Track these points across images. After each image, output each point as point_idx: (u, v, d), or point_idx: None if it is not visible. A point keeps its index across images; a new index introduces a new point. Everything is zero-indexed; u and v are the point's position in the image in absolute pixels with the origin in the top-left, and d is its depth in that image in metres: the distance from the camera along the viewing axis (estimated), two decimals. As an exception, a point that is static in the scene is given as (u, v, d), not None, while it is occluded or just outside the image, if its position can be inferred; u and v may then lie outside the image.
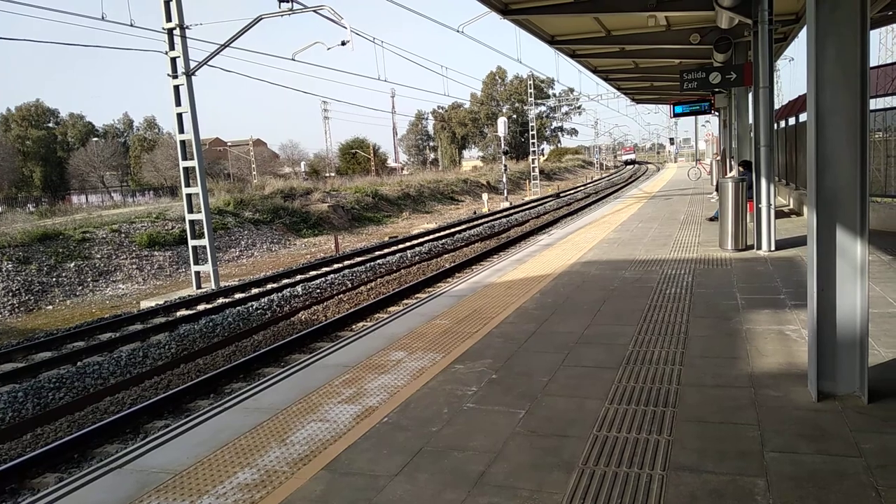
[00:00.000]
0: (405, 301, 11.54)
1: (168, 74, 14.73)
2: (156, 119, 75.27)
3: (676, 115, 17.74)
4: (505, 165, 37.58)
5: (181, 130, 15.18)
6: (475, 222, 24.86)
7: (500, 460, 3.25)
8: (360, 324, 10.24)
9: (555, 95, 67.62)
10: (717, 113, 22.85)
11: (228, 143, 68.48)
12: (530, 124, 44.24)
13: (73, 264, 16.88)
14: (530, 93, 44.37)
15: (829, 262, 3.62)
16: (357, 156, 69.44)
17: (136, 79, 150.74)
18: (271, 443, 3.64)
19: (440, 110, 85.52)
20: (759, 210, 8.81)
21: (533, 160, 44.52)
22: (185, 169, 15.36)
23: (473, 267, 14.37)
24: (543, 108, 76.30)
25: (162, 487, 3.21)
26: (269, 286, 13.91)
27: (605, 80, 22.22)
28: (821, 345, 3.67)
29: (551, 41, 13.37)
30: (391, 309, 11.01)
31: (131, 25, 13.61)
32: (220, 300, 13.04)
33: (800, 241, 9.21)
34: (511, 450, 3.36)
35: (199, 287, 14.96)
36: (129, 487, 3.25)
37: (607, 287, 7.17)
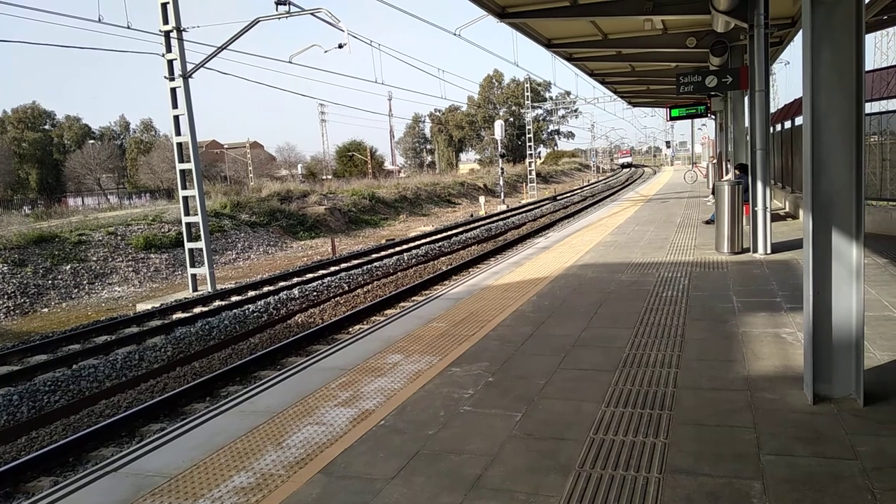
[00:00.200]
0: (402, 304, 11.53)
1: (165, 77, 14.72)
2: (152, 121, 75.24)
3: (673, 119, 17.82)
4: (502, 168, 37.66)
5: (178, 133, 15.16)
6: (472, 225, 24.86)
7: (496, 463, 3.25)
8: (357, 326, 10.23)
9: (551, 98, 67.87)
10: (713, 116, 22.92)
11: (225, 146, 68.50)
12: (527, 127, 44.27)
13: (68, 267, 16.84)
14: (527, 96, 44.48)
15: (824, 265, 3.63)
16: (354, 158, 69.49)
17: (132, 81, 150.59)
18: (267, 446, 3.63)
19: (437, 113, 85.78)
20: (755, 213, 8.84)
21: (530, 163, 44.53)
22: (182, 171, 15.36)
23: (470, 270, 14.37)
24: (540, 112, 76.36)
25: (157, 491, 3.20)
26: (265, 289, 13.89)
27: (602, 83, 22.30)
28: (817, 348, 3.68)
29: (548, 44, 13.40)
30: (388, 312, 11.00)
31: (128, 28, 13.63)
32: (217, 303, 13.02)
33: (796, 245, 9.23)
34: (508, 453, 3.35)
35: (195, 290, 14.94)
36: (124, 491, 3.24)
37: (604, 290, 7.18)
